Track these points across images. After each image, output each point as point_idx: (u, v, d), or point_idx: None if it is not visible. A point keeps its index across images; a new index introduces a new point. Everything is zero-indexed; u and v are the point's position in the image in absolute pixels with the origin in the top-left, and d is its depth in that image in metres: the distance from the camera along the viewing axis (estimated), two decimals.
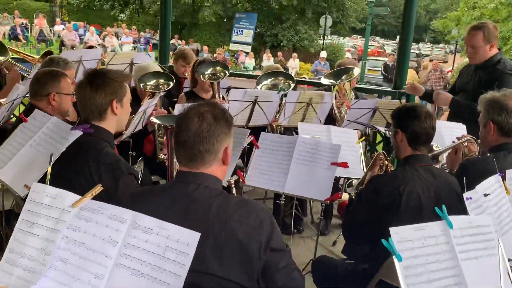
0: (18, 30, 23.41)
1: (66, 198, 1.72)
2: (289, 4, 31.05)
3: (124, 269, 1.63)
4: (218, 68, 4.85)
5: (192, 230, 1.89)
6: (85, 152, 2.57)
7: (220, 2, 29.38)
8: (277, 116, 4.83)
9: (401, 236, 1.82)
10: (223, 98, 4.69)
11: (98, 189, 1.76)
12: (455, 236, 1.92)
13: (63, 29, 25.11)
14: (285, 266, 1.99)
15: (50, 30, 25.88)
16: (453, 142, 3.49)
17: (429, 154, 3.59)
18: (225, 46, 27.49)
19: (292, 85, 5.02)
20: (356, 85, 5.66)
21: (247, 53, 25.91)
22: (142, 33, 29.91)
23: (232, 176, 3.27)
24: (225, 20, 27.28)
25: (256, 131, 4.36)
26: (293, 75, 6.50)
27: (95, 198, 2.39)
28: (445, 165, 3.48)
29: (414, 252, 1.82)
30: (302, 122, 4.80)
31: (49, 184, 1.86)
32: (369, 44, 30.54)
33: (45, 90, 3.22)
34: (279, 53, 26.73)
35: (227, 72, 4.85)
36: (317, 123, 4.86)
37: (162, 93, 4.33)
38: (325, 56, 21.54)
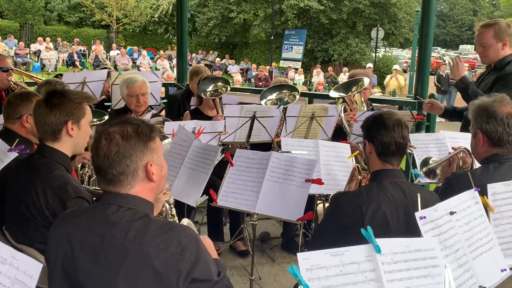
0: (75, 57, 24.52)
1: None
2: (339, 19, 30.70)
3: None
4: (219, 84, 4.75)
5: (107, 255, 1.77)
6: (35, 175, 2.51)
7: (269, 21, 29.45)
8: (280, 132, 4.64)
9: (312, 263, 1.60)
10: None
11: None
12: (384, 262, 1.67)
13: (118, 54, 26.08)
14: None
15: (107, 55, 26.98)
16: (449, 153, 3.19)
17: (425, 168, 3.32)
18: (274, 63, 27.45)
19: (297, 97, 4.80)
20: (371, 96, 5.36)
21: (296, 69, 25.78)
22: (194, 55, 30.51)
23: (202, 195, 3.13)
24: (272, 38, 27.25)
25: (261, 148, 4.20)
26: None
27: None
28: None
29: (328, 281, 1.59)
30: (305, 137, 4.60)
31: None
32: None
33: (17, 112, 3.15)
34: (330, 68, 26.40)
35: (228, 87, 4.75)
36: (323, 137, 4.64)
37: (154, 111, 4.25)
38: (372, 67, 20.98)
